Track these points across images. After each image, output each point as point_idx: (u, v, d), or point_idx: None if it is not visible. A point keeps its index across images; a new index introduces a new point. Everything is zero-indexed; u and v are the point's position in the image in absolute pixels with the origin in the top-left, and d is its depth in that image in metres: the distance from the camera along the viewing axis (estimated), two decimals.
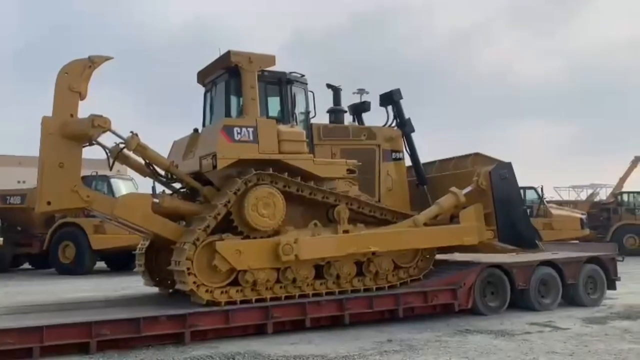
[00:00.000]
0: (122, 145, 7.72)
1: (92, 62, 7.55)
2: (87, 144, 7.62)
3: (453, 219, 9.03)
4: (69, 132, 7.40)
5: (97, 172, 16.53)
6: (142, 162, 8.06)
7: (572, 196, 32.67)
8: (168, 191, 8.69)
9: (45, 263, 18.29)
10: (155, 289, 9.34)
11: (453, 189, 8.88)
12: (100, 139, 7.64)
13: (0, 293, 12.09)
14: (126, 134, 7.71)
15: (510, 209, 8.94)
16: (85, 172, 15.87)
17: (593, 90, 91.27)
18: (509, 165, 9.02)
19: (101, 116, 7.42)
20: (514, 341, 7.13)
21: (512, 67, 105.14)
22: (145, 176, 8.43)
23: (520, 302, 9.32)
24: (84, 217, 15.84)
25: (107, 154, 7.87)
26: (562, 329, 7.90)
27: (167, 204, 7.91)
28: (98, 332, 6.57)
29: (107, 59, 7.71)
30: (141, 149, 7.72)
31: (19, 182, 33.93)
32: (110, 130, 7.53)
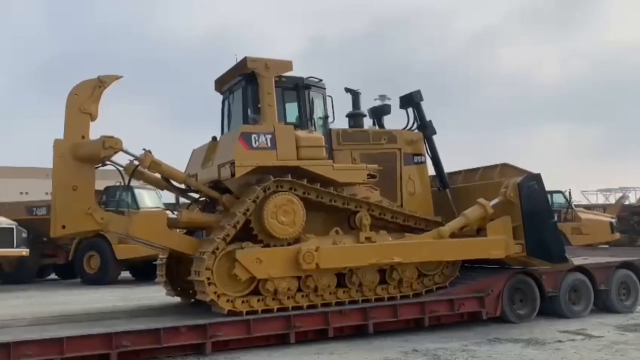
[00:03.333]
0: (136, 163, 7.68)
1: (102, 82, 7.52)
2: (100, 164, 7.59)
3: (480, 231, 8.76)
4: (80, 154, 7.36)
5: (120, 183, 16.59)
6: (159, 176, 8.04)
7: (600, 200, 31.96)
8: (187, 201, 8.65)
9: (70, 273, 18.44)
10: (178, 299, 9.29)
11: (480, 200, 8.61)
12: (115, 158, 7.60)
13: (25, 303, 12.19)
14: (144, 147, 7.67)
15: (539, 222, 8.59)
16: (109, 182, 16.15)
17: (618, 91, 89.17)
18: (538, 177, 8.67)
19: (112, 137, 7.37)
20: (545, 350, 6.87)
21: (534, 69, 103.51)
22: (162, 189, 8.42)
23: (550, 310, 9.02)
24: None
25: (121, 172, 7.85)
26: (595, 337, 7.60)
27: (185, 217, 7.87)
28: (118, 343, 6.51)
29: (117, 78, 7.68)
30: (156, 166, 7.69)
31: (46, 193, 34.51)
32: (122, 150, 7.49)
